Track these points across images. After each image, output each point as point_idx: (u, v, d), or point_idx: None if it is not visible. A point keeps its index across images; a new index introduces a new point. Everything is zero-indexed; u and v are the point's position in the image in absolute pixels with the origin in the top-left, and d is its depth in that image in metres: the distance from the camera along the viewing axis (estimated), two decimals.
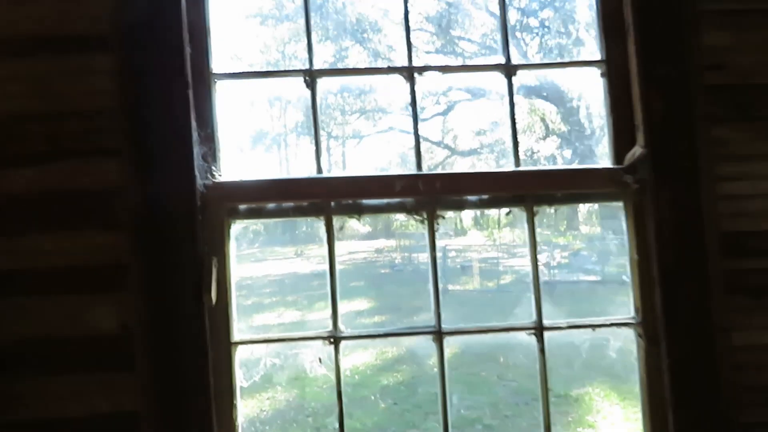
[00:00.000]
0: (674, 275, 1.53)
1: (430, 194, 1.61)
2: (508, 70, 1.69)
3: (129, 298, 1.51)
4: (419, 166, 1.69)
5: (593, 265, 16.75)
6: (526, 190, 1.63)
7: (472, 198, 1.63)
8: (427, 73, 1.69)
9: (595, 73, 1.69)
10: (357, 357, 9.13)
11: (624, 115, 1.64)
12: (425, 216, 1.64)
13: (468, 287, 14.98)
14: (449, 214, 1.65)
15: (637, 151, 1.57)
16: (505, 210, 1.66)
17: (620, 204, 1.66)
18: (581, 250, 18.58)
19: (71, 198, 1.54)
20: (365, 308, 13.00)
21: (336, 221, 1.63)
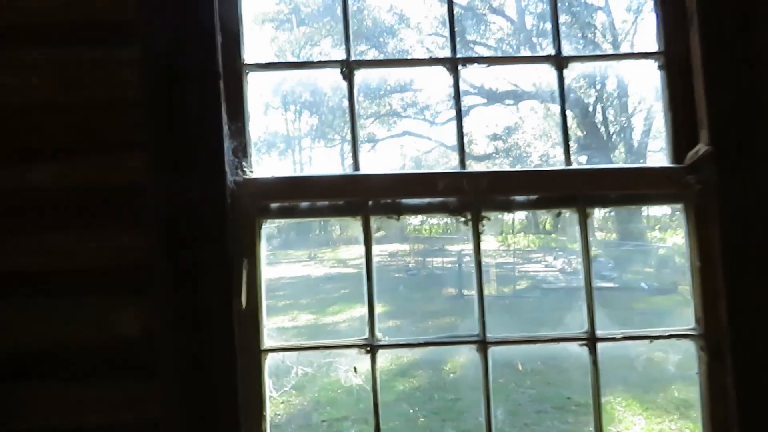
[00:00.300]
0: (742, 284, 1.41)
1: (475, 194, 1.50)
2: (559, 62, 1.57)
3: (154, 302, 1.42)
4: (463, 163, 1.58)
5: (610, 272, 16.57)
6: (579, 190, 1.52)
7: (519, 198, 1.52)
8: (471, 65, 1.58)
9: (652, 66, 1.57)
10: (368, 363, 9.00)
11: (684, 111, 1.52)
12: (469, 217, 1.53)
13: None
14: (494, 215, 1.54)
15: (701, 149, 1.46)
16: (555, 211, 1.55)
17: (679, 206, 1.54)
18: (597, 257, 18.36)
19: (94, 194, 1.45)
20: (379, 312, 12.84)
21: (374, 222, 1.53)
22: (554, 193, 1.52)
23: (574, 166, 1.55)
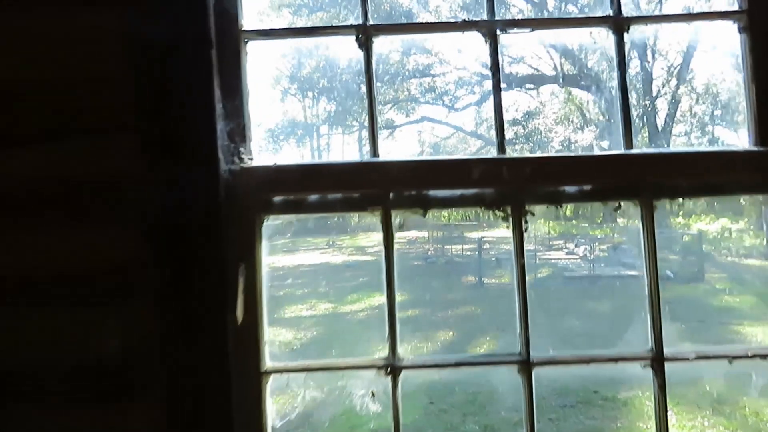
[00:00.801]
0: None
1: (516, 184, 1.25)
2: (619, 24, 1.30)
3: (136, 315, 1.19)
4: (501, 147, 1.32)
5: (634, 259, 16.19)
6: (643, 179, 1.25)
7: (570, 189, 1.26)
8: (512, 30, 1.32)
9: (731, 28, 1.30)
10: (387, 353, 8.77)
11: None
12: (509, 212, 1.27)
13: (504, 281, 14.53)
14: (539, 209, 1.28)
15: None
16: (613, 204, 1.29)
17: (762, 198, 1.28)
18: (621, 244, 17.97)
19: (66, 188, 1.21)
20: (398, 301, 12.65)
21: (395, 217, 1.28)
22: (613, 182, 1.26)
23: (637, 150, 1.29)
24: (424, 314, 11.46)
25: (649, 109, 25.05)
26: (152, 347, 1.17)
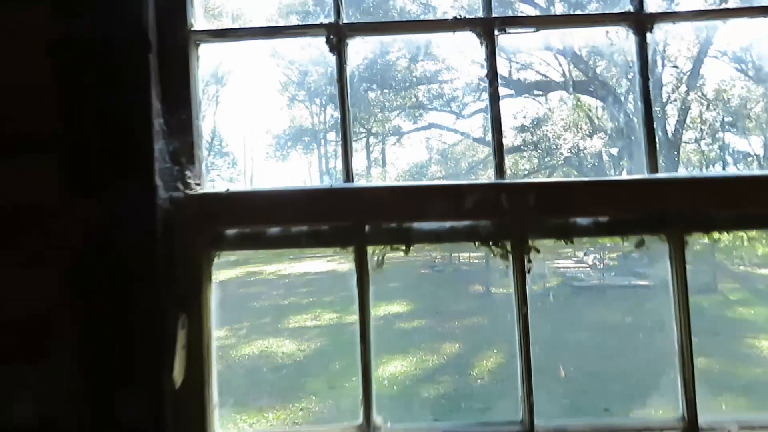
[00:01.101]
0: None
1: (518, 214, 1.03)
2: (641, 22, 1.08)
3: (55, 374, 0.97)
4: (500, 171, 1.10)
5: (645, 269, 15.90)
6: (672, 208, 1.03)
7: (583, 221, 1.04)
8: (513, 30, 1.10)
9: (742, 29, 1.08)
10: (392, 366, 8.56)
11: None
12: (509, 248, 1.05)
13: (512, 290, 14.24)
14: (545, 243, 1.06)
15: None
16: (635, 239, 1.06)
17: None
18: (631, 252, 17.66)
19: None
20: (404, 311, 12.45)
21: (372, 254, 1.06)
22: (635, 212, 1.04)
23: (663, 174, 1.06)
24: (430, 325, 11.23)
25: (659, 115, 24.72)
26: (77, 417, 0.96)
